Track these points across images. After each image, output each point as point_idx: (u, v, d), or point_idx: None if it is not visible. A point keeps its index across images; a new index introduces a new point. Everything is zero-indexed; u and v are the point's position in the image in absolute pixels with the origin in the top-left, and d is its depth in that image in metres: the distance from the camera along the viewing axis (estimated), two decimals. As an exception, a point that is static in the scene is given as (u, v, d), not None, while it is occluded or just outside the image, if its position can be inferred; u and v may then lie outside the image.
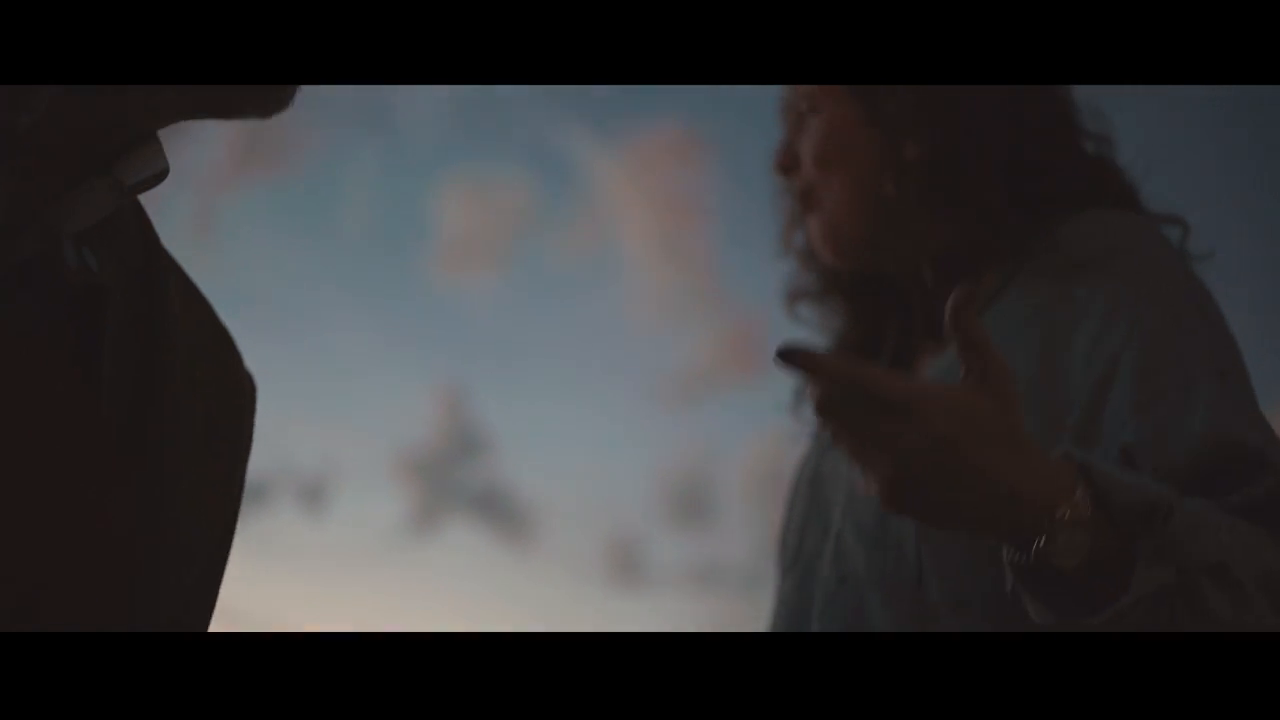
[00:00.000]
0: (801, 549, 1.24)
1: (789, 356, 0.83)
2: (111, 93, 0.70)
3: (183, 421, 0.75)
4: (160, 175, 0.75)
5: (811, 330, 1.37)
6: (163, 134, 0.76)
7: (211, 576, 0.82)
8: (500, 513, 4.34)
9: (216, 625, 0.84)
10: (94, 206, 0.72)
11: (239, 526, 0.83)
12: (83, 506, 0.67)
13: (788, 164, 1.29)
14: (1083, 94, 1.25)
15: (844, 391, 0.83)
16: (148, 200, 0.80)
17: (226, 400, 0.81)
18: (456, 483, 4.42)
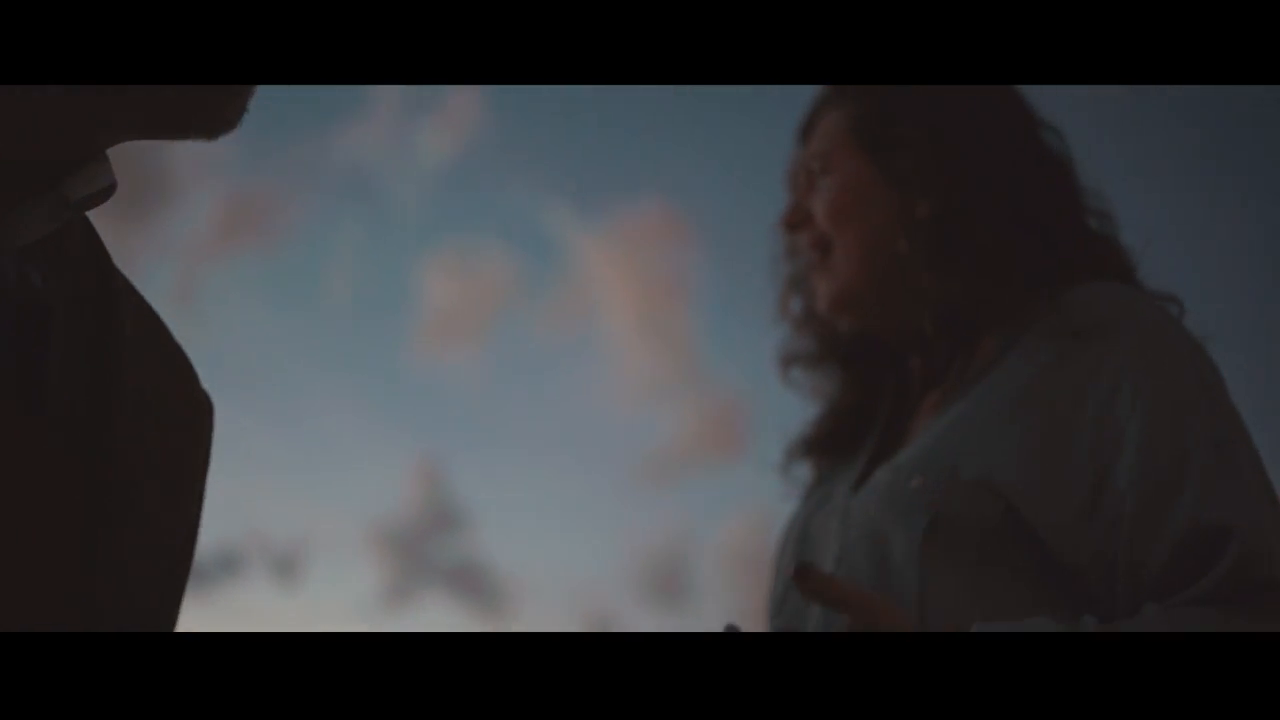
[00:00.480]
0: (786, 599, 1.25)
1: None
2: (57, 108, 0.69)
3: (132, 434, 0.74)
4: (107, 191, 0.74)
5: (803, 395, 1.37)
6: (136, 183, 0.75)
7: (173, 590, 0.81)
8: (476, 588, 4.30)
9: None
10: (38, 222, 0.71)
11: (204, 543, 0.83)
12: (25, 514, 0.67)
13: (795, 221, 1.30)
14: (1088, 176, 1.27)
15: None
16: (129, 268, 0.80)
17: (179, 414, 0.80)
18: (432, 557, 4.37)
